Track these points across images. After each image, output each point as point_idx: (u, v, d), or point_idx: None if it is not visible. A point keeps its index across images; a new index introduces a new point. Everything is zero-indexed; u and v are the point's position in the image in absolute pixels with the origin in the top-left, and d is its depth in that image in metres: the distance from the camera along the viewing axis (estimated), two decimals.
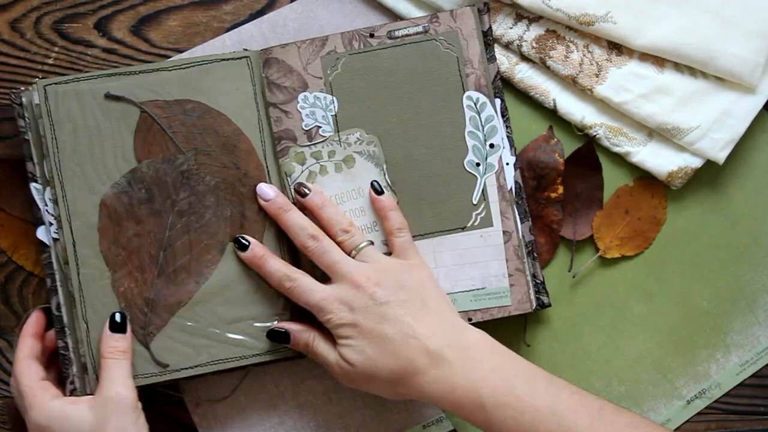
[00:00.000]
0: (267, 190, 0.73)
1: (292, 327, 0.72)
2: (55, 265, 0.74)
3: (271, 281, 0.72)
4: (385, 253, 0.73)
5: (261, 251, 0.72)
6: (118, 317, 0.71)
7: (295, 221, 0.72)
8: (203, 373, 0.73)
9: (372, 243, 0.72)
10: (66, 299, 0.73)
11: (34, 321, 0.74)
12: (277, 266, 0.71)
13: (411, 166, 0.75)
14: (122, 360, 0.70)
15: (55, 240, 0.73)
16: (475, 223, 0.75)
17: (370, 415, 0.78)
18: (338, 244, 0.71)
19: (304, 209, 0.73)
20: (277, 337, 0.72)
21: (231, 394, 0.78)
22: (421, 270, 0.71)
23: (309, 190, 0.73)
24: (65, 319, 0.73)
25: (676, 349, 0.79)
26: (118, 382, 0.69)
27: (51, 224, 0.73)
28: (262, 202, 0.73)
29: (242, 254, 0.72)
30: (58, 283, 0.74)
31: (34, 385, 0.70)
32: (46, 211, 0.74)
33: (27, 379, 0.70)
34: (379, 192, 0.73)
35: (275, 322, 0.73)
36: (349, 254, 0.71)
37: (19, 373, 0.71)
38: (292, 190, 0.74)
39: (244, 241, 0.73)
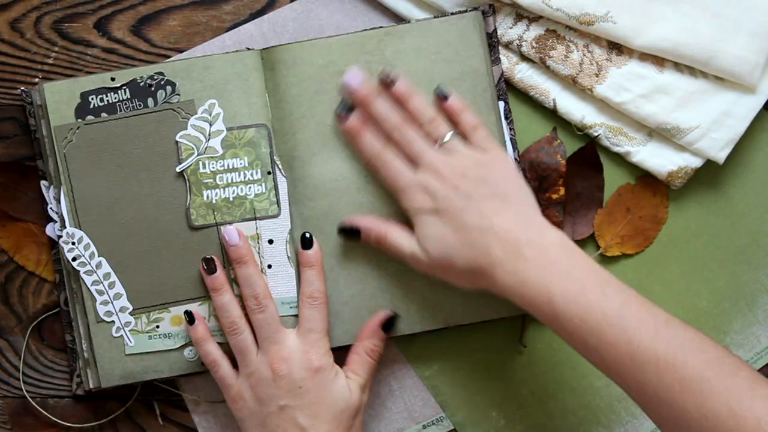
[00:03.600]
0: (354, 78, 0.73)
1: (363, 222, 0.73)
2: (63, 261, 0.75)
3: (362, 154, 0.72)
4: None
5: (360, 124, 0.73)
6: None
7: (381, 109, 0.72)
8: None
9: (456, 133, 0.72)
10: (71, 295, 0.75)
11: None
12: (373, 142, 0.72)
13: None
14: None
15: (58, 237, 0.74)
16: None
17: (370, 415, 0.78)
18: (425, 134, 0.72)
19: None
20: (347, 233, 0.73)
21: None
22: (505, 163, 0.71)
23: (396, 78, 0.73)
24: (72, 314, 0.75)
25: None
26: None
27: (55, 222, 0.75)
28: (350, 86, 0.73)
29: (344, 122, 0.73)
30: (65, 279, 0.75)
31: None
32: (51, 208, 0.75)
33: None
34: (445, 97, 0.73)
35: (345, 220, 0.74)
36: (433, 144, 0.72)
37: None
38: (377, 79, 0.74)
39: (341, 110, 0.73)
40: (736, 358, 0.61)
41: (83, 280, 0.74)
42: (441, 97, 0.73)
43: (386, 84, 0.73)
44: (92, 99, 0.74)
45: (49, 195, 0.75)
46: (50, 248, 0.77)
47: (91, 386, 0.75)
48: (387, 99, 0.73)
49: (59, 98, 0.74)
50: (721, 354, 0.61)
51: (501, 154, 0.71)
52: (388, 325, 0.73)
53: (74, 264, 0.73)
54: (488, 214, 0.68)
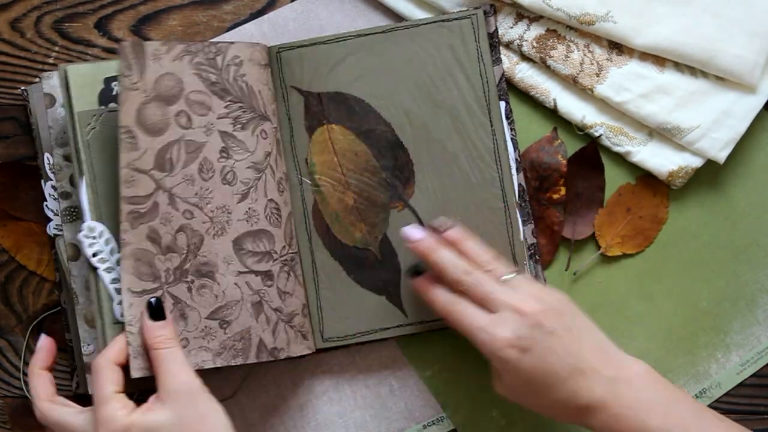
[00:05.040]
0: (414, 232, 0.71)
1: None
2: (60, 261, 0.74)
3: (435, 306, 0.70)
4: None
5: (428, 278, 0.70)
6: (154, 302, 0.68)
7: (448, 258, 0.69)
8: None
9: (517, 272, 0.70)
10: (67, 294, 0.74)
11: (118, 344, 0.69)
12: (442, 292, 0.69)
13: None
14: (174, 348, 0.67)
15: (56, 235, 0.74)
16: None
17: (370, 415, 0.78)
18: (486, 273, 0.69)
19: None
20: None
21: (233, 395, 0.78)
22: (568, 299, 0.69)
23: (447, 226, 0.71)
24: (69, 313, 0.74)
25: (677, 349, 0.79)
26: (180, 372, 0.66)
27: (50, 220, 0.74)
28: (409, 244, 0.71)
29: (414, 280, 0.71)
30: (64, 278, 0.74)
31: (113, 400, 0.64)
32: (46, 206, 0.74)
33: (107, 390, 0.65)
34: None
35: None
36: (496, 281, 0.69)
37: (99, 381, 0.66)
38: (427, 227, 0.72)
39: (417, 269, 0.71)
40: None
41: (101, 278, 0.70)
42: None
43: (439, 231, 0.71)
44: (115, 85, 0.72)
45: (47, 192, 0.75)
46: (51, 247, 0.77)
47: (89, 390, 0.72)
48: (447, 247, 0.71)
49: (83, 82, 0.71)
50: None
51: (561, 292, 0.69)
52: (153, 310, 0.68)
53: (95, 260, 0.70)
54: (574, 352, 0.66)
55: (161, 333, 0.67)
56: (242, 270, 0.72)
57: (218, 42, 0.72)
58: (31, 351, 0.79)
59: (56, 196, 0.74)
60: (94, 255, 0.70)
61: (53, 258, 0.77)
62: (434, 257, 0.69)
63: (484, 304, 0.67)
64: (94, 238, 0.70)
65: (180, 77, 0.70)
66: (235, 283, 0.71)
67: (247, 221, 0.72)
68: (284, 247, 0.74)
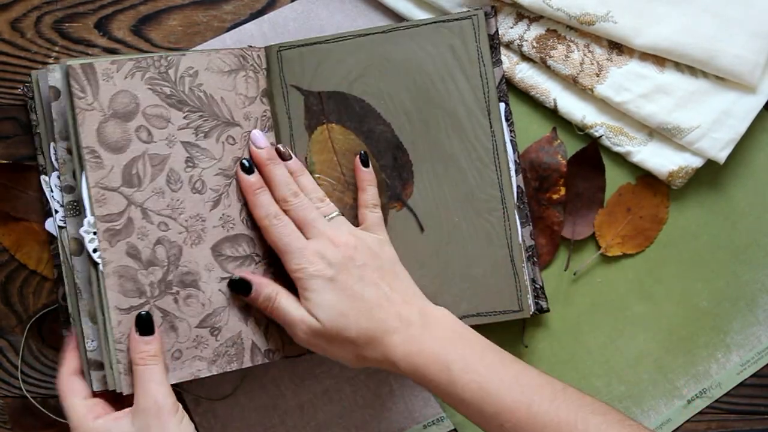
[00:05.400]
0: (260, 138, 0.73)
1: (255, 278, 0.72)
2: (62, 256, 0.74)
3: (256, 212, 0.72)
4: None
5: (259, 183, 0.72)
6: (144, 315, 0.69)
7: (282, 175, 0.72)
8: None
9: (342, 215, 0.73)
10: (71, 290, 0.73)
11: (74, 335, 0.72)
12: (268, 201, 0.72)
13: None
14: (154, 365, 0.68)
15: (60, 228, 0.73)
16: None
17: (370, 415, 0.78)
18: None
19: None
20: (237, 286, 0.72)
21: (233, 393, 0.78)
22: (390, 247, 0.73)
23: (291, 156, 0.74)
24: (71, 309, 0.73)
25: (677, 349, 0.79)
26: (154, 391, 0.66)
27: (57, 212, 0.73)
28: (252, 148, 0.73)
29: (243, 176, 0.72)
30: (64, 274, 0.73)
31: (77, 406, 0.68)
32: (52, 197, 0.74)
33: (69, 398, 0.68)
34: (366, 163, 0.74)
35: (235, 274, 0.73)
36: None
37: (61, 390, 0.69)
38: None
39: (245, 163, 0.73)
40: (633, 421, 0.64)
41: (102, 273, 0.70)
42: (362, 161, 0.74)
43: (282, 157, 0.74)
44: None
45: (50, 188, 0.74)
46: (49, 244, 0.77)
47: (93, 387, 0.72)
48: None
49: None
50: (621, 417, 0.64)
51: (386, 236, 0.73)
52: (141, 325, 0.69)
53: (95, 256, 0.69)
54: (383, 286, 0.69)
55: (144, 349, 0.68)
56: (224, 276, 0.72)
57: (169, 55, 0.73)
58: (31, 351, 0.79)
59: (61, 188, 0.73)
60: (95, 251, 0.69)
61: (51, 255, 0.77)
62: (270, 168, 0.72)
63: (303, 228, 0.71)
64: (95, 233, 0.70)
65: (134, 93, 0.71)
66: (219, 290, 0.72)
67: (222, 227, 0.73)
68: (268, 248, 0.74)
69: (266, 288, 0.71)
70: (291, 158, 0.74)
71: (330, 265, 0.69)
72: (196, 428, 0.77)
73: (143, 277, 0.70)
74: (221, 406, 0.78)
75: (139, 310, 0.69)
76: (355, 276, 0.69)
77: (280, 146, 0.74)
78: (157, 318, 0.70)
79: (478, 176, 0.75)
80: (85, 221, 0.70)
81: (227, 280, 0.72)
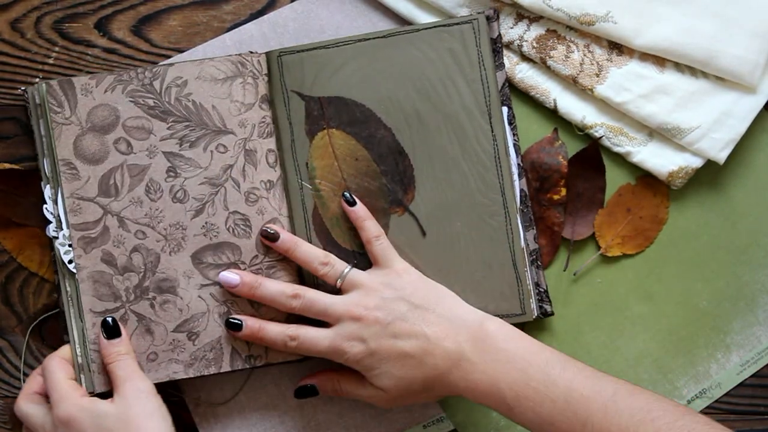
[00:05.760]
0: (230, 277, 0.73)
1: (315, 379, 0.74)
2: (57, 263, 0.74)
3: (275, 347, 0.72)
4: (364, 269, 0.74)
5: (256, 325, 0.72)
6: (110, 321, 0.72)
7: (271, 291, 0.72)
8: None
9: (354, 266, 0.73)
10: (64, 297, 0.74)
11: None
12: (276, 332, 0.72)
13: None
14: (127, 359, 0.71)
15: (53, 238, 0.74)
16: None
17: (370, 415, 0.78)
18: (321, 277, 0.72)
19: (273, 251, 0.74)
20: (305, 393, 0.74)
21: (233, 397, 0.78)
22: (409, 273, 0.72)
23: (278, 233, 0.73)
24: (66, 315, 0.74)
25: (677, 349, 0.79)
26: (131, 377, 0.70)
27: (50, 222, 0.74)
28: (230, 290, 0.73)
29: (238, 334, 0.72)
30: (61, 281, 0.74)
31: (65, 382, 0.70)
32: (46, 208, 0.74)
33: (58, 375, 0.71)
34: (352, 203, 0.74)
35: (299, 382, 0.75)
36: (334, 285, 0.72)
37: (50, 368, 0.71)
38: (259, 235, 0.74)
39: (236, 321, 0.73)
40: (690, 418, 0.63)
41: (79, 283, 0.73)
42: (347, 202, 0.74)
43: (270, 239, 0.73)
44: None
45: (46, 196, 0.75)
46: (50, 249, 0.77)
47: (89, 391, 0.73)
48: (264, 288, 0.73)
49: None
50: (671, 419, 0.63)
51: (401, 265, 0.72)
52: (107, 329, 0.72)
53: (71, 267, 0.73)
54: (418, 330, 0.69)
55: (114, 350, 0.71)
56: (205, 282, 0.73)
57: (155, 67, 0.74)
58: (31, 351, 0.79)
59: (53, 200, 0.74)
60: (70, 262, 0.73)
61: (51, 260, 0.77)
62: (259, 293, 0.72)
63: (322, 318, 0.71)
64: (70, 246, 0.73)
65: (114, 106, 0.73)
66: (199, 296, 0.73)
67: (204, 235, 0.74)
68: (256, 256, 0.74)
69: (328, 383, 0.73)
70: (278, 237, 0.73)
71: (363, 341, 0.69)
72: (196, 428, 0.78)
73: (118, 283, 0.73)
74: (221, 407, 0.78)
75: (105, 316, 0.72)
76: (390, 337, 0.69)
77: (265, 227, 0.73)
78: (132, 321, 0.73)
79: (479, 180, 0.75)
80: (61, 234, 0.73)
81: (208, 287, 0.73)
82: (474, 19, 0.74)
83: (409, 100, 0.75)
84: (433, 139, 0.75)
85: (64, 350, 0.73)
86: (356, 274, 0.72)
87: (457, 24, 0.75)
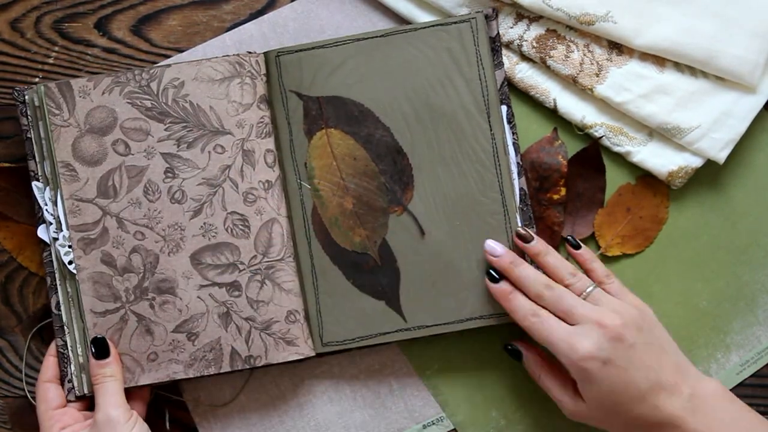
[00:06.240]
0: (495, 247, 0.73)
1: (526, 350, 0.74)
2: (55, 264, 0.74)
3: (515, 316, 0.71)
4: None
5: (509, 288, 0.72)
6: (99, 339, 0.73)
7: (528, 274, 0.71)
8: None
9: (597, 286, 0.72)
10: (65, 298, 0.74)
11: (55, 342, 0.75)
12: (523, 302, 0.71)
13: None
14: (110, 383, 0.72)
15: (54, 239, 0.74)
16: None
17: (370, 415, 0.78)
18: (567, 287, 0.71)
19: (523, 255, 0.74)
20: (512, 353, 0.74)
21: (233, 399, 0.78)
22: (648, 310, 0.71)
23: (532, 237, 0.73)
24: (64, 317, 0.74)
25: None
26: (107, 405, 0.71)
27: (50, 224, 0.74)
28: (491, 258, 0.73)
29: (492, 286, 0.72)
30: (58, 282, 0.74)
31: (45, 414, 0.72)
32: (47, 210, 0.74)
33: (43, 405, 0.73)
34: (577, 246, 0.74)
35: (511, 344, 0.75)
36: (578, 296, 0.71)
37: (37, 396, 0.73)
38: (513, 235, 0.74)
39: (494, 275, 0.72)
40: None
41: (80, 284, 0.74)
42: (572, 246, 0.74)
43: (524, 240, 0.73)
44: None
45: (44, 197, 0.75)
46: (42, 251, 0.75)
47: (86, 392, 0.74)
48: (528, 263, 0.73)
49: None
50: None
51: (639, 301, 0.72)
52: (97, 348, 0.73)
53: (71, 267, 0.73)
54: (654, 367, 0.68)
55: (100, 372, 0.72)
56: (204, 283, 0.74)
57: (152, 68, 0.74)
58: (31, 351, 0.79)
59: (53, 201, 0.74)
60: (70, 263, 0.73)
61: (45, 262, 0.75)
62: (516, 273, 0.72)
63: (565, 317, 0.69)
64: (70, 247, 0.74)
65: (112, 108, 0.74)
66: (198, 296, 0.74)
67: (203, 236, 0.74)
68: (255, 256, 0.74)
69: (533, 363, 0.74)
70: (533, 239, 0.73)
71: (600, 349, 0.67)
72: (196, 429, 0.78)
73: (118, 283, 0.73)
74: (221, 407, 0.78)
75: (96, 335, 0.73)
76: (625, 359, 0.67)
77: (519, 229, 0.73)
78: (132, 322, 0.73)
79: (478, 179, 0.75)
80: (61, 235, 0.74)
81: (208, 287, 0.73)
82: (472, 18, 0.74)
83: (408, 100, 0.75)
84: (432, 138, 0.75)
85: (45, 372, 0.74)
86: (601, 294, 0.71)
87: (455, 23, 0.75)
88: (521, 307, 0.71)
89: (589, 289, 0.71)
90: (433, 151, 0.75)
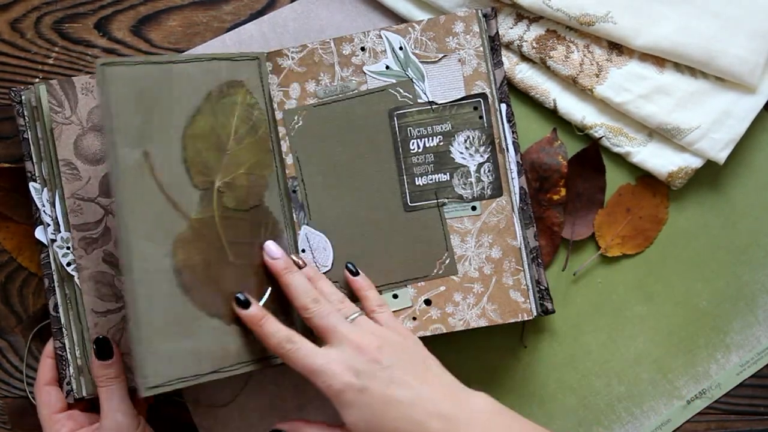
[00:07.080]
0: (274, 249, 0.72)
1: (287, 425, 0.70)
2: (53, 266, 0.74)
3: (269, 343, 0.68)
4: None
5: (260, 313, 0.69)
6: (102, 339, 0.72)
7: (300, 283, 0.70)
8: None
9: (363, 314, 0.71)
10: (63, 299, 0.74)
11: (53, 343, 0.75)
12: (277, 328, 0.68)
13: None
14: (115, 386, 0.71)
15: (52, 241, 0.74)
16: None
17: None
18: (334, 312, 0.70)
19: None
20: None
21: (233, 399, 0.78)
22: (413, 338, 0.70)
23: (304, 262, 0.72)
24: (62, 319, 0.74)
25: (677, 349, 0.79)
26: (115, 410, 0.70)
27: (48, 225, 0.74)
28: (267, 259, 0.72)
29: (241, 312, 0.69)
30: (56, 284, 0.74)
31: (46, 419, 0.72)
32: (44, 212, 0.74)
33: (45, 409, 0.72)
34: (355, 273, 0.73)
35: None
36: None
37: (38, 400, 0.73)
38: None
39: (242, 299, 0.69)
40: None
41: (77, 285, 0.73)
42: (350, 272, 0.73)
43: (297, 265, 0.72)
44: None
45: (42, 198, 0.74)
46: (39, 252, 0.75)
47: (84, 394, 0.74)
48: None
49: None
50: None
51: (409, 332, 0.71)
52: (99, 348, 0.72)
53: (70, 269, 0.73)
54: (416, 384, 0.66)
55: (104, 372, 0.71)
56: None
57: None
58: (31, 352, 0.79)
59: (51, 202, 0.74)
60: (68, 264, 0.73)
61: (42, 263, 0.75)
62: (289, 278, 0.70)
63: (324, 334, 0.68)
64: (68, 248, 0.73)
65: None
66: None
67: None
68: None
69: (302, 429, 0.70)
70: (305, 266, 0.72)
71: (357, 374, 0.65)
72: (196, 429, 0.78)
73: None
74: (221, 408, 0.78)
75: (98, 335, 0.72)
76: (385, 380, 0.65)
77: (293, 256, 0.73)
78: None
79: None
80: (59, 237, 0.73)
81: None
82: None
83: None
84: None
85: (42, 374, 0.74)
86: (365, 321, 0.70)
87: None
88: (275, 334, 0.67)
89: (354, 315, 0.69)
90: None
